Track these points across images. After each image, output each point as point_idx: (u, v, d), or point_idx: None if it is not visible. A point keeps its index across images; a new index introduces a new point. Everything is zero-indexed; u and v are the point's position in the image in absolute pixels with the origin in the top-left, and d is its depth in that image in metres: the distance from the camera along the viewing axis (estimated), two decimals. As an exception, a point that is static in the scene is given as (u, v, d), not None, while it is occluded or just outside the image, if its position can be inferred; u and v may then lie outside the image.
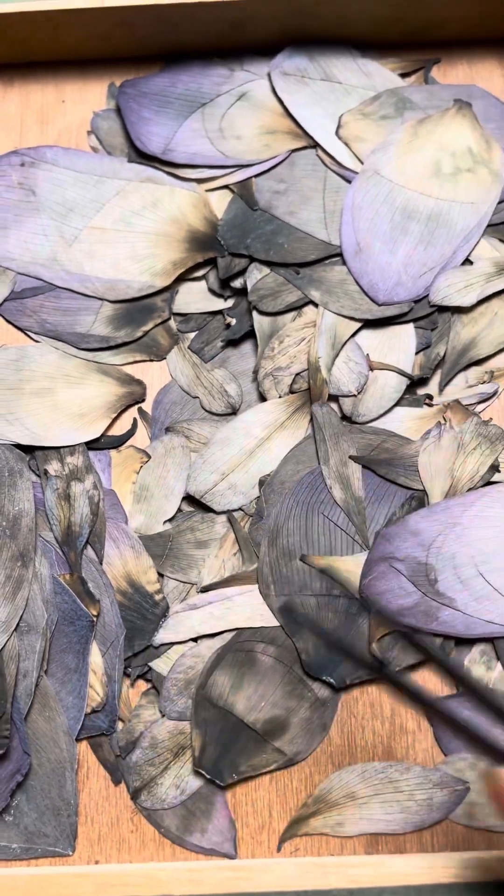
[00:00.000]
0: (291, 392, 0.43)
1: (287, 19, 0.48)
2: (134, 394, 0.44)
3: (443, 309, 0.45)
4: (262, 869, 0.36)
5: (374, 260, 0.45)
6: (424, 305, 0.44)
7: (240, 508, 0.42)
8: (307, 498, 0.41)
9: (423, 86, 0.49)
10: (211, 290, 0.46)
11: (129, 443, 0.44)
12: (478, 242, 0.45)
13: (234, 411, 0.44)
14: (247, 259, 0.45)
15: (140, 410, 0.45)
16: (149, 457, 0.43)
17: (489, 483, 0.41)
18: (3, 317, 0.46)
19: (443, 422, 0.42)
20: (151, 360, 0.45)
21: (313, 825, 0.38)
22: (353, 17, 0.48)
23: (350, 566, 0.40)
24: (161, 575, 0.41)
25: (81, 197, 0.47)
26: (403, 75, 0.50)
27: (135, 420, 0.44)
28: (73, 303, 0.46)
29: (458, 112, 0.47)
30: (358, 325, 0.44)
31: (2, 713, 0.37)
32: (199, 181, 0.47)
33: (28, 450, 0.43)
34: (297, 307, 0.45)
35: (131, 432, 0.44)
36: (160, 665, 0.40)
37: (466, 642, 0.39)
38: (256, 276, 0.45)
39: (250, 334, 0.45)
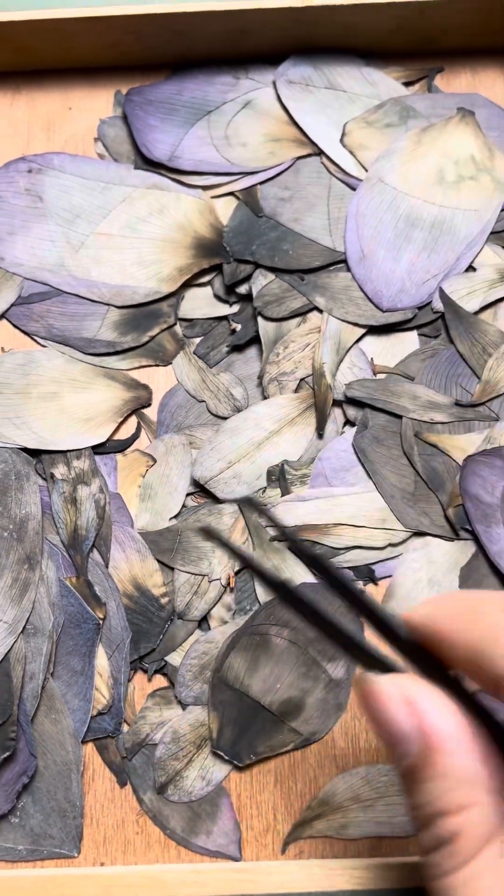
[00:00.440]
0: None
1: (292, 28, 0.48)
2: (140, 398, 0.45)
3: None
4: (267, 871, 0.36)
5: (378, 267, 0.45)
6: (428, 312, 0.45)
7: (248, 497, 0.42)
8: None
9: (426, 94, 0.50)
10: (216, 296, 0.46)
11: (134, 446, 0.44)
12: (481, 249, 0.46)
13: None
14: (252, 265, 0.46)
15: (140, 415, 0.45)
16: (154, 461, 0.43)
17: None
18: (10, 321, 0.46)
19: None
20: (157, 365, 0.46)
21: (318, 828, 0.38)
22: (357, 27, 0.48)
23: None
24: (171, 569, 0.41)
25: (88, 203, 0.47)
26: (407, 84, 0.50)
27: (139, 424, 0.45)
28: (79, 308, 0.46)
29: (462, 121, 0.48)
30: (362, 331, 0.44)
31: (8, 716, 0.37)
32: (205, 188, 0.48)
33: (34, 453, 0.43)
34: (301, 313, 0.45)
35: (136, 436, 0.44)
36: (175, 658, 0.40)
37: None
38: (262, 282, 0.45)
39: (255, 340, 0.45)
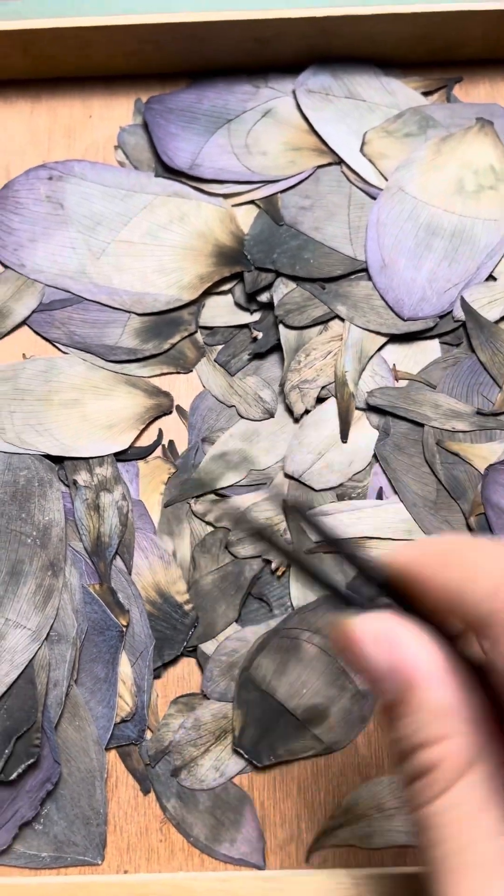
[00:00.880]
0: (320, 401, 0.44)
1: (311, 37, 0.48)
2: (161, 406, 0.45)
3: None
4: (294, 879, 0.36)
5: (400, 276, 0.45)
6: (449, 321, 0.45)
7: (340, 485, 0.42)
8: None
9: (445, 104, 0.50)
10: (237, 304, 0.46)
11: (155, 453, 0.44)
12: (501, 259, 0.46)
13: (271, 415, 0.44)
14: (273, 273, 0.46)
15: (179, 409, 0.45)
16: (177, 468, 0.44)
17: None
18: (32, 328, 0.46)
19: None
20: (178, 373, 0.46)
21: (341, 836, 0.38)
22: (377, 36, 0.49)
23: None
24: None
25: (109, 210, 0.47)
26: (426, 94, 0.50)
27: (160, 431, 0.45)
28: (101, 315, 0.46)
29: (481, 130, 0.48)
30: (384, 339, 0.44)
31: (32, 722, 0.37)
32: (226, 196, 0.48)
33: (57, 460, 0.43)
34: (322, 321, 0.45)
35: (158, 443, 0.45)
36: (208, 647, 0.41)
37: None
38: (283, 290, 0.45)
39: (275, 347, 0.45)
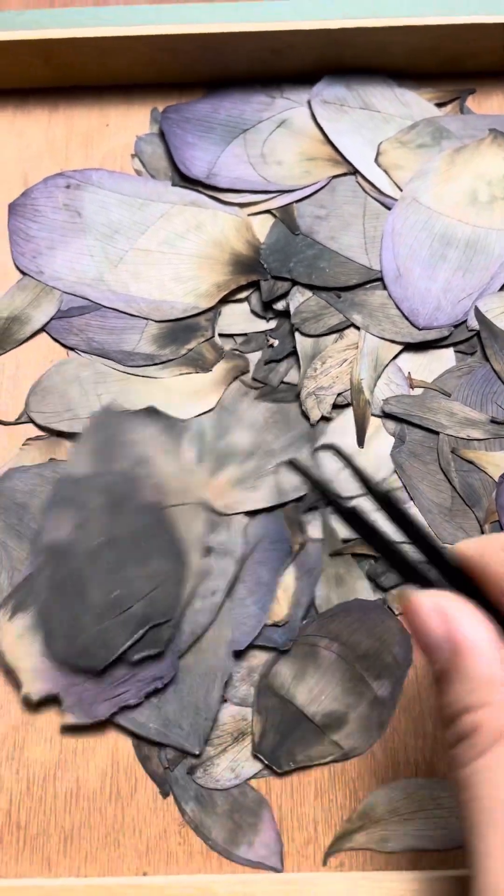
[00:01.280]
0: (336, 407, 0.44)
1: (326, 49, 0.49)
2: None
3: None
4: (313, 882, 0.36)
5: (414, 285, 0.46)
6: (463, 330, 0.45)
7: None
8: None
9: (458, 115, 0.51)
10: (254, 312, 0.47)
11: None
12: (515, 269, 0.46)
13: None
14: (289, 282, 0.46)
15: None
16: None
17: None
18: (50, 335, 0.47)
19: None
20: (197, 373, 0.46)
21: (358, 840, 0.38)
22: (390, 48, 0.49)
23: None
24: None
25: (126, 219, 0.48)
26: (439, 105, 0.51)
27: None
28: (118, 322, 0.47)
29: (494, 142, 0.49)
30: (399, 347, 0.45)
31: (168, 618, 0.40)
32: (242, 205, 0.48)
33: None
34: (338, 330, 0.46)
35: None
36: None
37: None
38: (299, 298, 0.46)
39: (291, 354, 0.46)
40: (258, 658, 0.41)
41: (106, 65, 0.50)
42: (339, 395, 0.44)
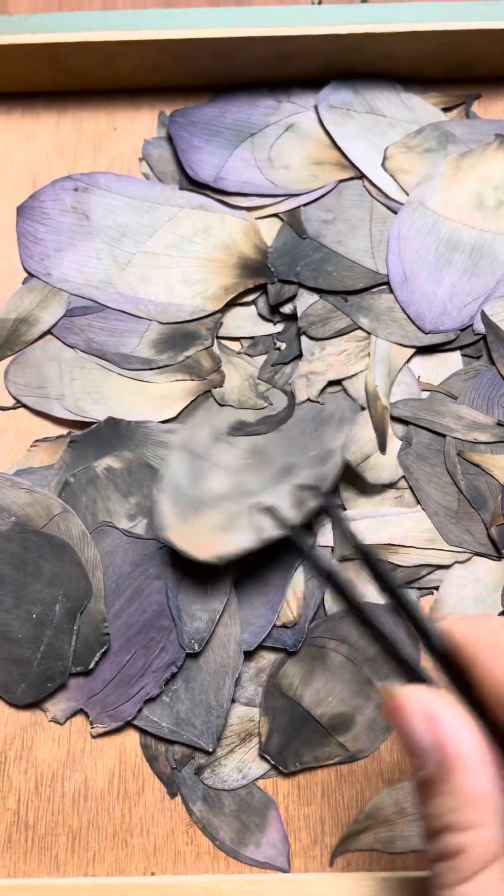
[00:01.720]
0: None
1: (333, 53, 0.49)
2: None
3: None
4: (321, 883, 0.36)
5: (421, 289, 0.46)
6: (469, 334, 0.46)
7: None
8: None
9: (464, 120, 0.51)
10: (261, 315, 0.47)
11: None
12: (521, 273, 0.47)
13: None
14: (296, 286, 0.47)
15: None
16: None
17: None
18: (55, 335, 0.47)
19: None
20: (192, 380, 0.46)
21: (365, 841, 0.39)
22: (397, 53, 0.49)
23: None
24: None
25: (134, 222, 0.48)
26: (445, 110, 0.51)
27: None
28: (119, 324, 0.47)
29: (500, 147, 0.49)
30: (411, 352, 0.45)
31: (87, 599, 0.40)
32: (249, 209, 0.49)
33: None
34: (345, 333, 0.46)
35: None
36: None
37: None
38: (306, 302, 0.46)
39: (298, 357, 0.46)
40: (266, 659, 0.41)
41: (114, 69, 0.50)
42: (330, 383, 0.45)
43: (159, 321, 0.46)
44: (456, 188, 0.48)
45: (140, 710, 0.40)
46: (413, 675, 0.26)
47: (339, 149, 0.49)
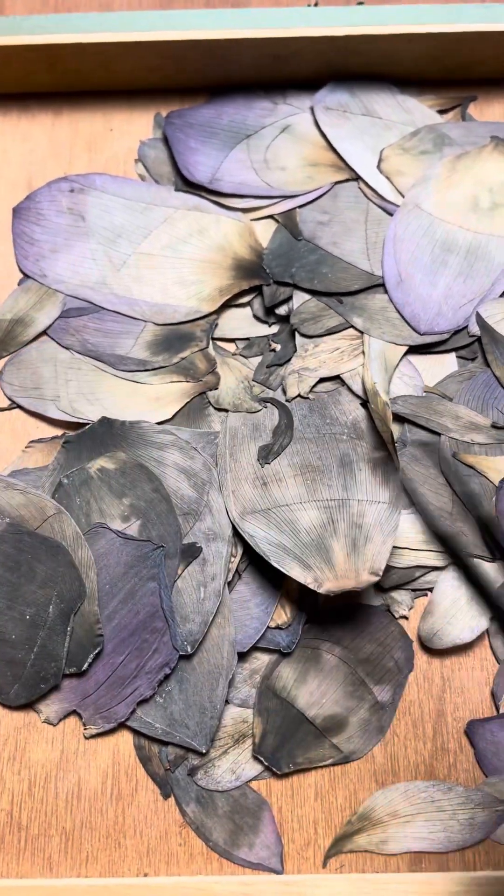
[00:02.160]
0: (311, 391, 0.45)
1: (329, 55, 0.49)
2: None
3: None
4: (313, 884, 0.36)
5: (416, 291, 0.46)
6: (465, 335, 0.46)
7: None
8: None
9: (460, 122, 0.51)
10: (256, 317, 0.47)
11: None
12: (516, 275, 0.47)
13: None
14: (291, 287, 0.47)
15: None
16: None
17: None
18: (51, 336, 0.47)
19: None
20: (187, 382, 0.46)
21: (358, 842, 0.39)
22: (394, 55, 0.50)
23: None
24: None
25: (129, 223, 0.48)
26: (441, 112, 0.51)
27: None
28: (115, 325, 0.47)
29: (495, 149, 0.49)
30: (404, 349, 0.45)
31: (81, 599, 0.41)
32: (245, 210, 0.49)
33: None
34: (336, 331, 0.46)
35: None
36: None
37: None
38: (300, 299, 0.46)
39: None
40: (260, 660, 0.41)
41: (110, 70, 0.50)
42: (321, 380, 0.45)
43: (154, 322, 0.47)
44: (451, 190, 0.48)
45: (133, 712, 0.40)
46: None
47: (334, 150, 0.49)
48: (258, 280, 0.47)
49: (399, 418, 0.44)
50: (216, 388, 0.45)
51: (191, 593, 0.41)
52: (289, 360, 0.46)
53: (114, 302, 0.47)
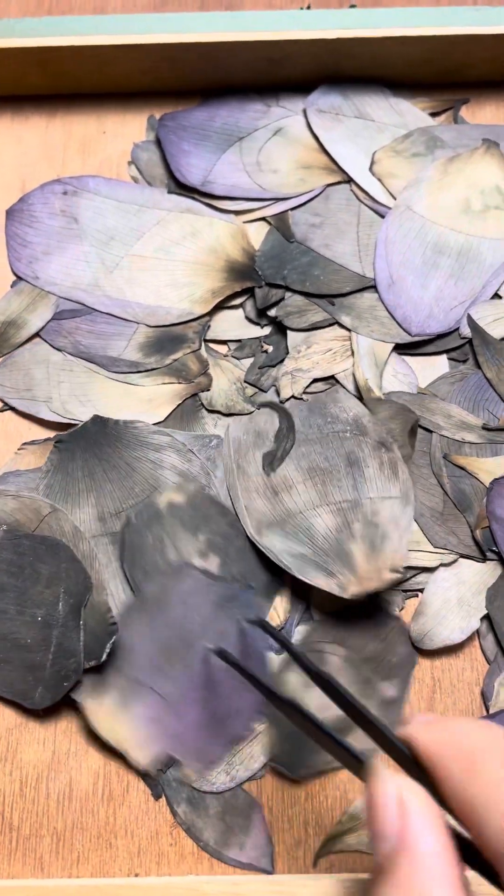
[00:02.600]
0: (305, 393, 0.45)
1: (322, 58, 0.50)
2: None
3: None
4: (303, 884, 0.36)
5: (407, 293, 0.46)
6: (455, 337, 0.46)
7: None
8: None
9: (452, 125, 0.51)
10: (248, 319, 0.47)
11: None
12: (507, 277, 0.47)
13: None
14: (283, 289, 0.47)
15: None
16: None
17: None
18: (43, 338, 0.47)
19: None
20: (179, 383, 0.46)
21: (348, 842, 0.39)
22: (386, 58, 0.50)
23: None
24: None
25: (122, 225, 0.48)
26: (433, 114, 0.51)
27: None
28: (107, 327, 0.47)
29: (487, 151, 0.49)
30: (392, 345, 0.46)
31: (89, 591, 0.41)
32: (237, 213, 0.49)
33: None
34: (321, 327, 0.46)
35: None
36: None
37: None
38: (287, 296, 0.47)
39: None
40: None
41: (103, 72, 0.50)
42: (315, 381, 0.45)
43: (147, 324, 0.47)
44: (443, 193, 0.48)
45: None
46: (385, 742, 0.26)
47: (327, 153, 0.49)
48: (250, 282, 0.47)
49: None
50: (208, 390, 0.46)
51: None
52: (281, 361, 0.46)
53: (106, 304, 0.47)
